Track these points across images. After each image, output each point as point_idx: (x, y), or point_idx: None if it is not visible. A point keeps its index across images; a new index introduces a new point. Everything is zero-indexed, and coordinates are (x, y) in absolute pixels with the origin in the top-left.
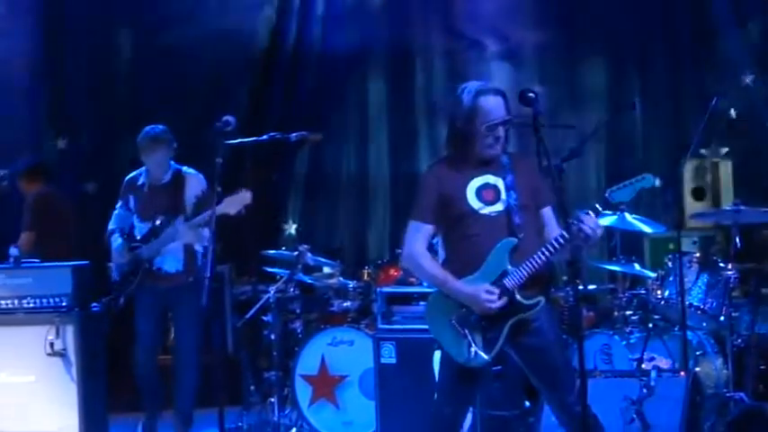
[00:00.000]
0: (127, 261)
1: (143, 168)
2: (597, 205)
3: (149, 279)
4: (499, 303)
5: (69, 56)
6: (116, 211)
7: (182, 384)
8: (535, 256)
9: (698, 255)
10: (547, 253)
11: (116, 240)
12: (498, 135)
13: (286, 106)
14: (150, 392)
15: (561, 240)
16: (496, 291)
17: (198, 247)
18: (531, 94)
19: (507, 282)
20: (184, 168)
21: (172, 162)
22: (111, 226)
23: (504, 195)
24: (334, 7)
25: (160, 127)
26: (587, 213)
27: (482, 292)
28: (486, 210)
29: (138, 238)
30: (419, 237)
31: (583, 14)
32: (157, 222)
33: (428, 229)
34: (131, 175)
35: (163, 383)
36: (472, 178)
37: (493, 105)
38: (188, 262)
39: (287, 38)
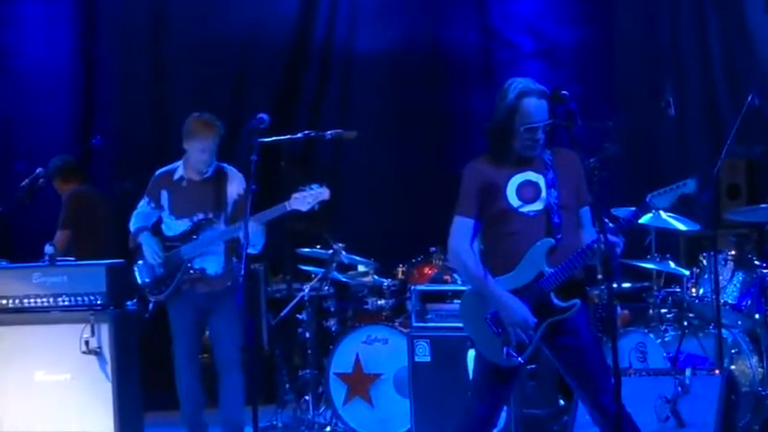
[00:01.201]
0: (162, 261)
1: (177, 163)
2: (635, 209)
3: (188, 282)
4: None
5: (102, 55)
6: (138, 210)
7: (228, 391)
8: (572, 259)
9: (733, 253)
10: (583, 257)
11: (148, 238)
12: (537, 138)
13: (316, 104)
14: (192, 411)
15: (594, 248)
16: (533, 325)
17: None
18: (564, 93)
19: (543, 283)
20: (225, 165)
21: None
22: (134, 224)
23: (544, 194)
24: (365, 4)
25: (208, 113)
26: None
27: (521, 318)
28: (526, 208)
29: (174, 235)
30: (464, 232)
31: (618, 13)
32: (196, 219)
33: (473, 223)
34: (164, 169)
35: (205, 394)
36: (513, 175)
37: (534, 108)
38: (227, 264)
39: (316, 35)
